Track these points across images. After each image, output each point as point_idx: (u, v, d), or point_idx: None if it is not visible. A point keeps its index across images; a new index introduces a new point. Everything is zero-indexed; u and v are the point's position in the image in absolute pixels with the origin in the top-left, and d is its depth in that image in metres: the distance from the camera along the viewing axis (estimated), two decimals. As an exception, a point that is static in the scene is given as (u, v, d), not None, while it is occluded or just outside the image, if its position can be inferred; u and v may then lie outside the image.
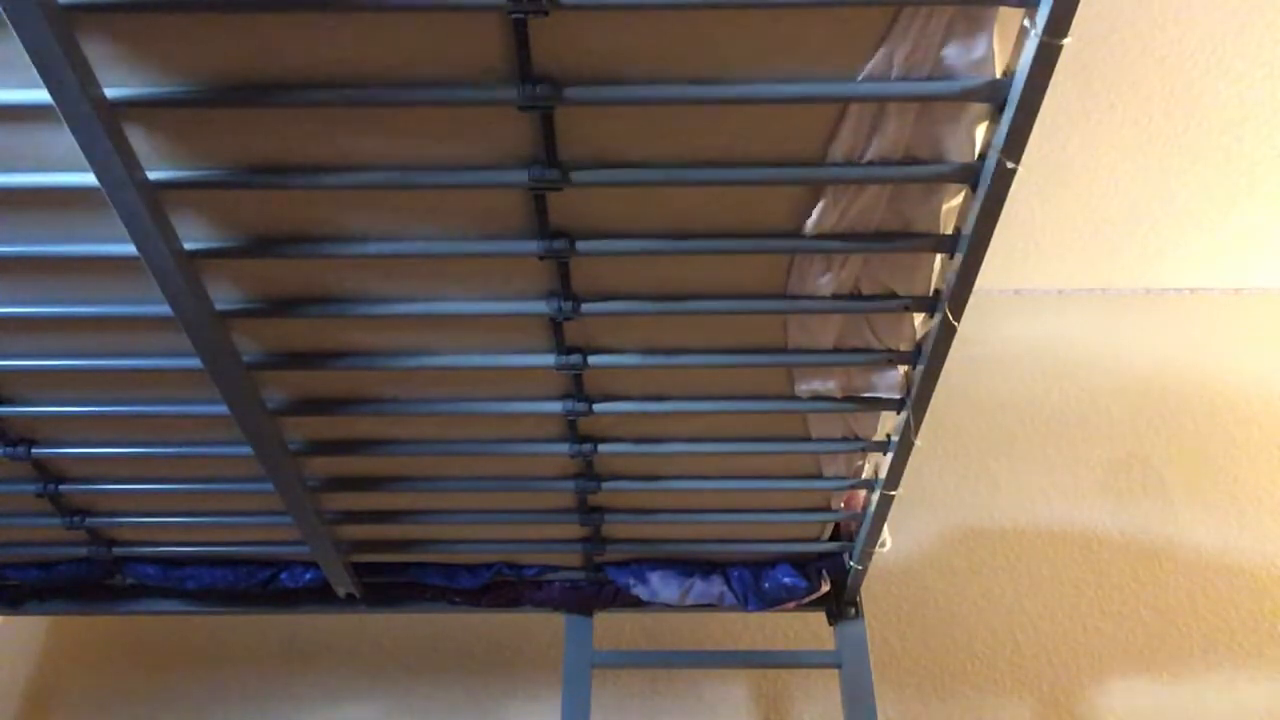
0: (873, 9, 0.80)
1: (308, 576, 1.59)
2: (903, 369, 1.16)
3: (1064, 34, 0.76)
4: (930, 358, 1.09)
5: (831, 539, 1.54)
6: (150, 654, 1.92)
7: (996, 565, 2.00)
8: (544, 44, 0.82)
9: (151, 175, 0.91)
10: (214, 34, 0.82)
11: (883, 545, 1.44)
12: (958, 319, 1.02)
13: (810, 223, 0.98)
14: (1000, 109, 0.84)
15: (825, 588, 1.56)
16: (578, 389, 1.21)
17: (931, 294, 1.05)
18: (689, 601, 1.58)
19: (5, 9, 0.74)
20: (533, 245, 1.00)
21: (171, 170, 0.92)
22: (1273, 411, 2.21)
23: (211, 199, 0.97)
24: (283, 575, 1.59)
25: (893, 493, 1.31)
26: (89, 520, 1.45)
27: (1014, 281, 2.42)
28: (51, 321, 1.12)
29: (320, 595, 1.61)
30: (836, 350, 1.14)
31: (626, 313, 1.09)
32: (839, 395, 1.20)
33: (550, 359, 1.15)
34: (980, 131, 0.88)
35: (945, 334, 1.05)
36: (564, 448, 1.29)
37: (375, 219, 0.99)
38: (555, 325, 1.11)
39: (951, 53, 0.82)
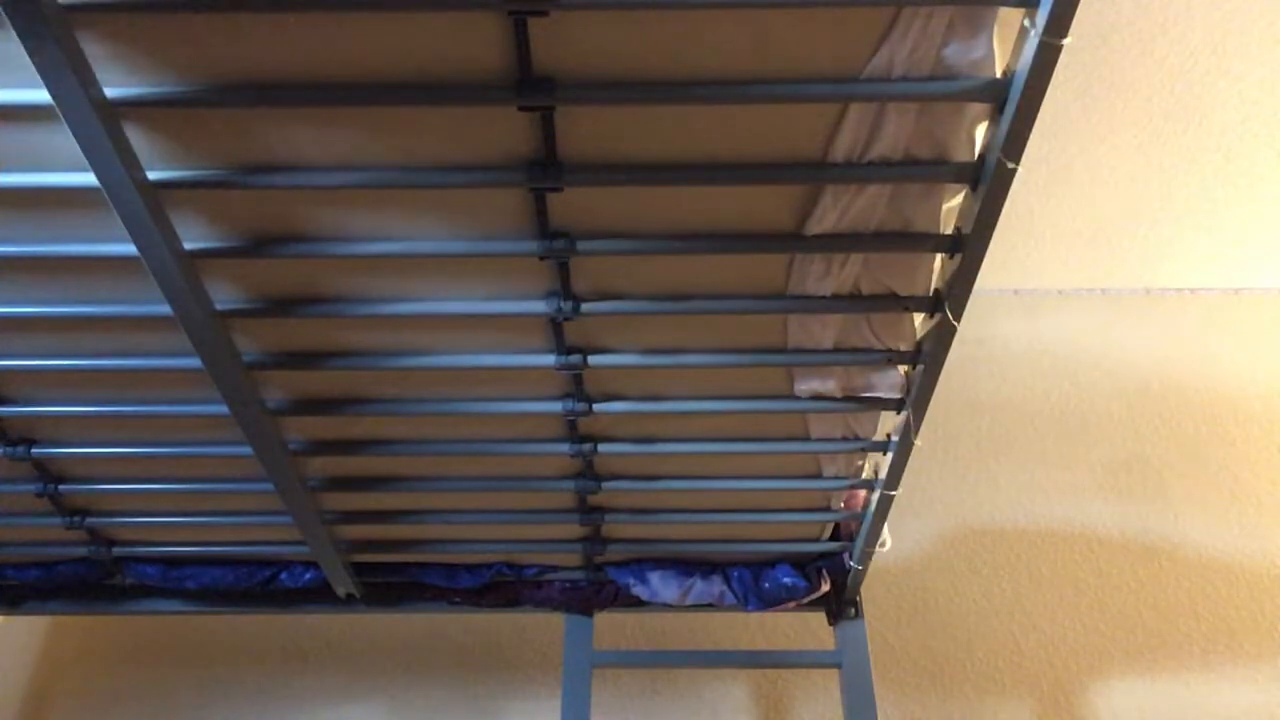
0: (873, 9, 0.80)
1: (308, 576, 1.59)
2: (903, 369, 1.16)
3: (1064, 34, 0.76)
4: (930, 358, 1.09)
5: (831, 539, 1.54)
6: (150, 654, 1.92)
7: (996, 565, 2.00)
8: (544, 44, 0.82)
9: (151, 175, 0.91)
10: (214, 34, 0.82)
11: (883, 545, 1.44)
12: (958, 319, 1.02)
13: (810, 223, 0.98)
14: (1000, 109, 0.84)
15: (825, 588, 1.56)
16: (578, 389, 1.21)
17: (931, 294, 1.05)
18: (689, 601, 1.58)
19: (5, 9, 0.74)
20: (533, 245, 1.00)
21: (171, 170, 0.92)
22: (1273, 411, 2.21)
23: (212, 199, 0.96)
24: (283, 575, 1.59)
25: (893, 493, 1.31)
26: (89, 520, 1.45)
27: (1014, 281, 2.42)
28: (51, 321, 1.12)
29: (320, 595, 1.61)
30: (836, 350, 1.14)
31: (626, 313, 1.09)
32: (839, 395, 1.20)
33: (550, 359, 1.15)
34: (980, 131, 0.88)
35: (945, 334, 1.05)
36: (564, 448, 1.29)
37: (375, 219, 0.99)
38: (555, 325, 1.11)
39: (951, 53, 0.82)
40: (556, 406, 1.22)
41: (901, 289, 1.05)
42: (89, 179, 0.88)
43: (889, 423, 1.26)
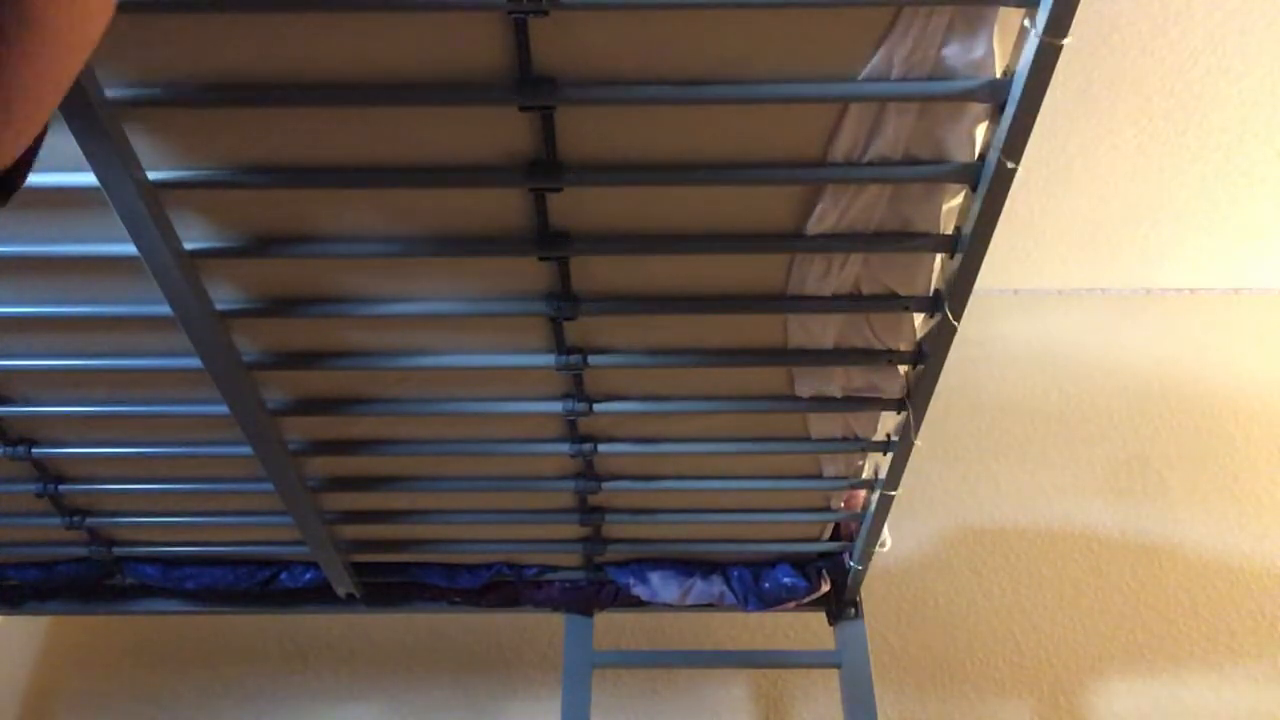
0: (873, 9, 0.80)
1: (308, 576, 1.59)
2: (903, 369, 1.16)
3: (1064, 34, 0.76)
4: (930, 358, 1.09)
5: (831, 539, 1.54)
6: (150, 654, 1.92)
7: (996, 565, 2.00)
8: (544, 44, 0.82)
9: (151, 175, 0.90)
10: (214, 34, 0.82)
11: (883, 545, 1.44)
12: (958, 319, 1.02)
13: (810, 223, 0.98)
14: (1000, 109, 0.84)
15: (825, 588, 1.56)
16: (578, 389, 1.21)
17: (931, 294, 1.05)
18: (689, 601, 1.58)
19: (5, 9, 0.74)
20: (533, 246, 1.00)
21: (171, 170, 0.92)
22: (1273, 411, 2.21)
23: (211, 199, 0.96)
24: (283, 575, 1.59)
25: (893, 493, 1.31)
26: (89, 520, 1.45)
27: (1014, 281, 2.42)
28: (51, 321, 1.12)
29: (320, 595, 1.61)
30: (836, 350, 1.14)
31: (626, 313, 1.09)
32: (839, 395, 1.20)
33: (550, 359, 1.15)
34: (980, 131, 0.88)
35: (945, 334, 1.05)
36: (564, 448, 1.29)
37: (375, 219, 0.99)
38: (555, 325, 1.11)
39: (951, 53, 0.82)
40: (556, 406, 1.22)
41: (901, 289, 1.05)
42: (89, 179, 0.88)
43: (889, 423, 1.26)
